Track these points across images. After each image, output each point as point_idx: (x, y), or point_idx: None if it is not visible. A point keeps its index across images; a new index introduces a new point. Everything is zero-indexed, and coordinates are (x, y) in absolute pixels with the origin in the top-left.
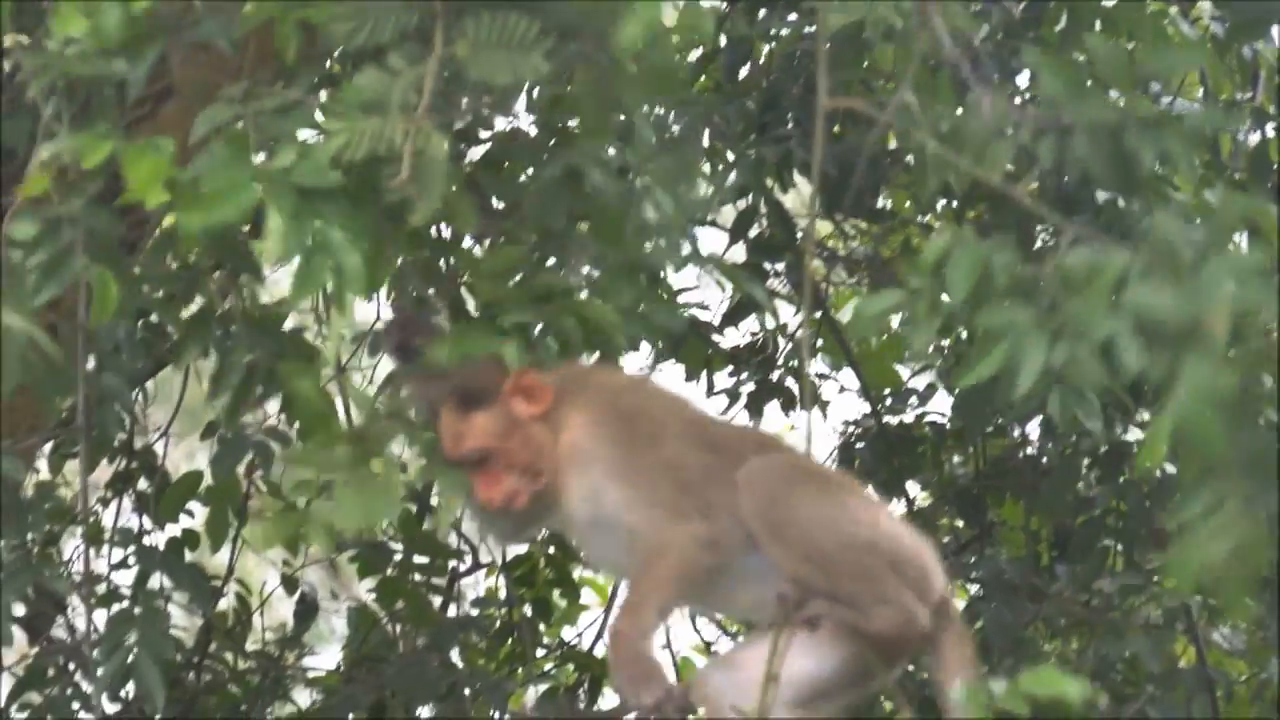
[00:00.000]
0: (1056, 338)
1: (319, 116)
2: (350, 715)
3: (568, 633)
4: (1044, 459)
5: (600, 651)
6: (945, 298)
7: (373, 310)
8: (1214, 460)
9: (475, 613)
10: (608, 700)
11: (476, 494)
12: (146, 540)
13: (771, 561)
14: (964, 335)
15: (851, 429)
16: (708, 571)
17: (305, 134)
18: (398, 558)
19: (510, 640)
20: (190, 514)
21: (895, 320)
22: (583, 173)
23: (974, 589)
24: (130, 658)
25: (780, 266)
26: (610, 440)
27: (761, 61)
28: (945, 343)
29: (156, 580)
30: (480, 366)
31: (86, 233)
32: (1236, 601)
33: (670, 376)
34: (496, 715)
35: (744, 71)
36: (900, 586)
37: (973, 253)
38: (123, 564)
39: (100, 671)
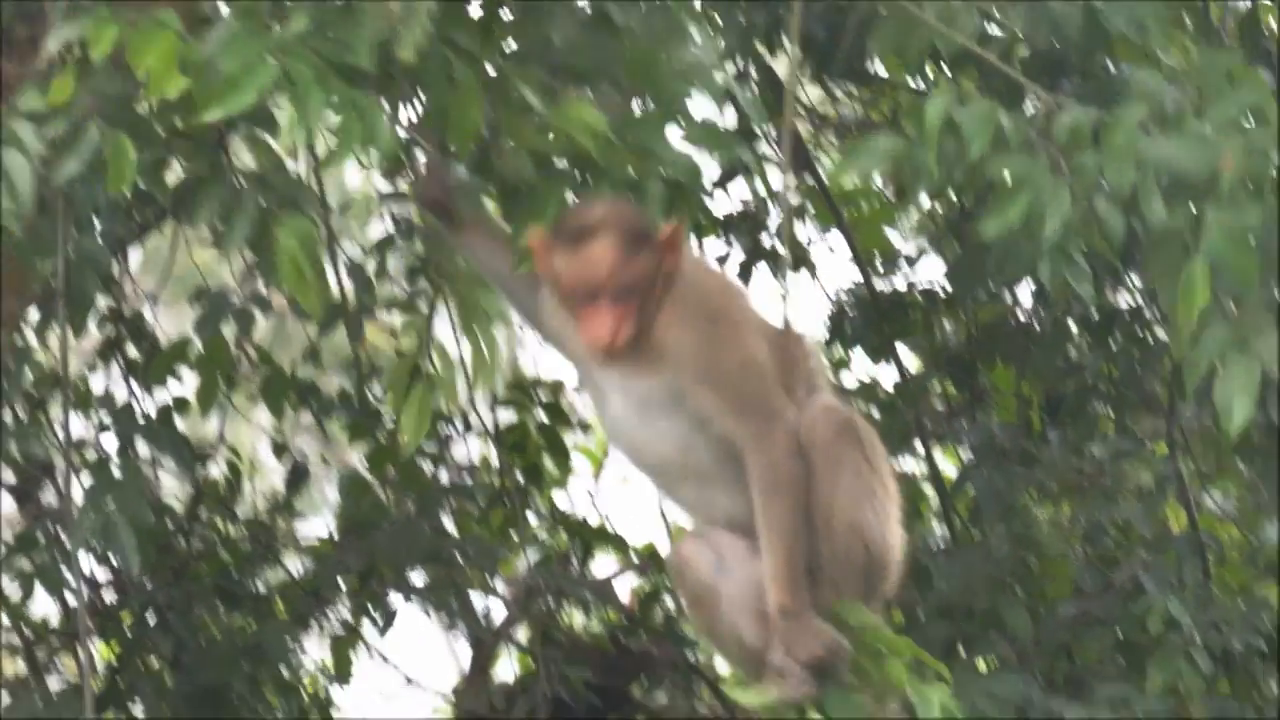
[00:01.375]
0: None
1: None
2: (341, 581)
3: (560, 499)
4: (1035, 325)
5: (592, 518)
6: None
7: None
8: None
9: (467, 479)
10: (600, 566)
11: (590, 330)
12: (136, 407)
13: None
14: (955, 199)
15: (843, 295)
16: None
17: None
18: (389, 424)
19: (502, 506)
20: (180, 380)
21: (882, 184)
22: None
23: (965, 455)
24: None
25: (770, 131)
26: (699, 341)
27: None
28: (937, 208)
29: (145, 447)
30: (629, 208)
31: (99, 98)
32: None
33: None
34: (489, 581)
35: None
36: (871, 581)
37: (985, 108)
38: (104, 429)
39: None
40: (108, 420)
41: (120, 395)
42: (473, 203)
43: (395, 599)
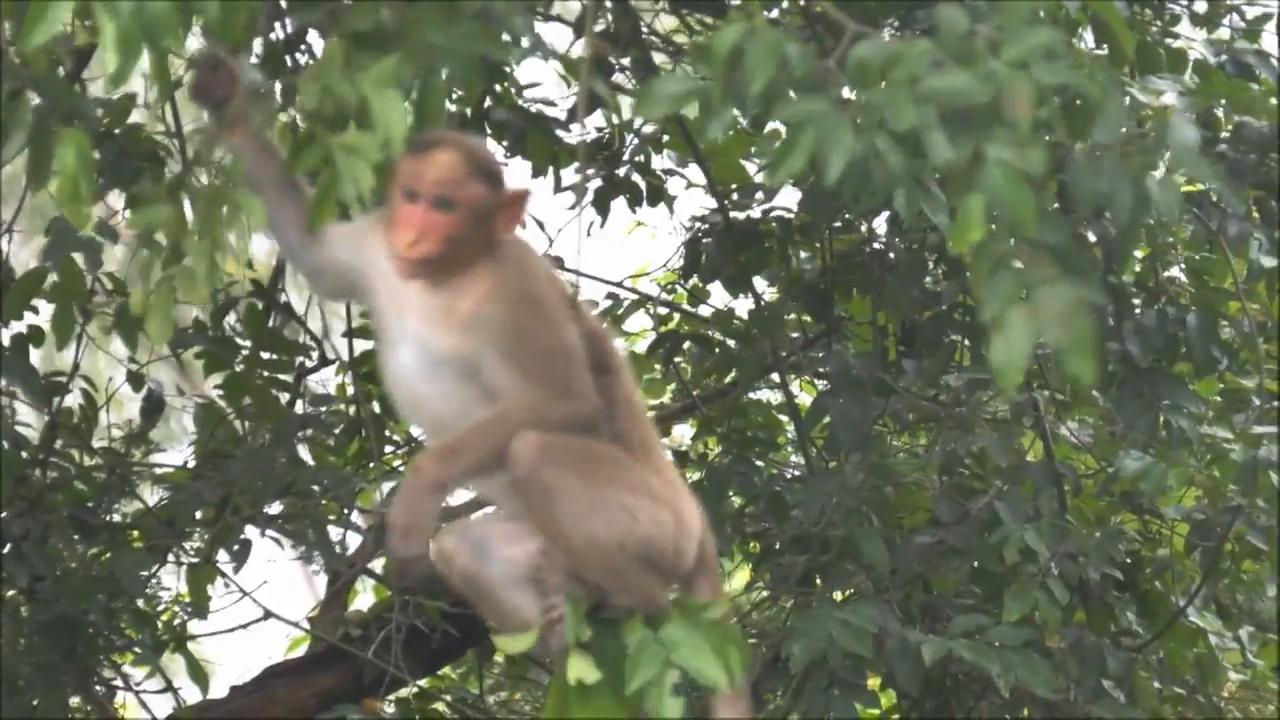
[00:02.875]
0: (858, 129)
1: None
2: (197, 512)
3: (415, 429)
4: (891, 254)
5: None
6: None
7: None
8: (1027, 238)
9: (323, 409)
10: (456, 496)
11: (402, 227)
12: None
13: None
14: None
15: (698, 224)
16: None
17: None
18: (245, 353)
19: (358, 436)
20: (35, 311)
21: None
22: None
23: (821, 384)
24: None
25: (625, 61)
26: (514, 318)
27: None
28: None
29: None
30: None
31: None
32: (1083, 394)
33: (518, 172)
34: (345, 512)
35: None
36: (643, 576)
37: (769, 42)
38: None
39: None
40: None
41: None
42: (263, 108)
43: (251, 530)
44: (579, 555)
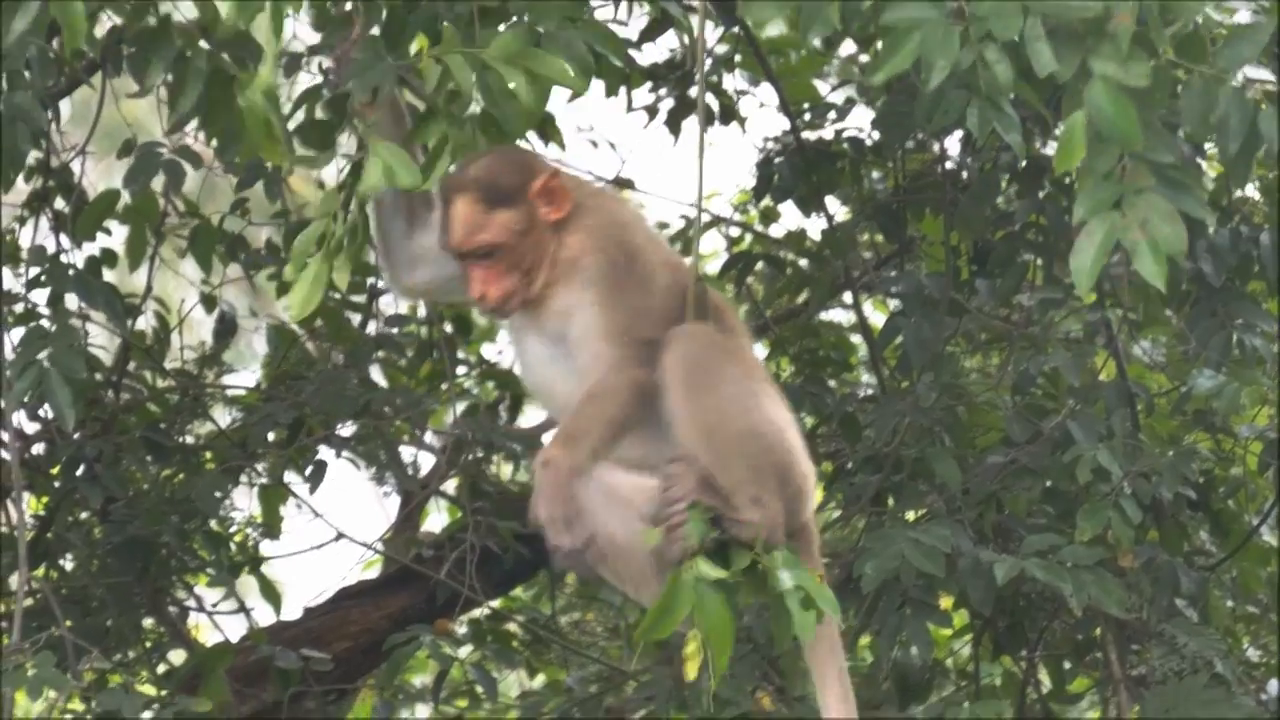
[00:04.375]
0: (965, 40)
1: None
2: (270, 433)
3: (487, 350)
4: (964, 173)
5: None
6: None
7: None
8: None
9: (394, 330)
10: (529, 417)
11: (471, 289)
12: (65, 259)
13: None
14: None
15: (771, 145)
16: (640, 421)
17: None
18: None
19: (430, 358)
20: (108, 233)
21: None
22: None
23: (893, 304)
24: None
25: None
26: (608, 268)
27: None
28: (865, 58)
29: (74, 300)
30: (508, 161)
31: None
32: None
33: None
34: (417, 432)
35: None
36: (776, 495)
37: None
38: (36, 282)
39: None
40: (36, 273)
41: (47, 247)
42: (388, 84)
43: (325, 452)
44: (730, 449)
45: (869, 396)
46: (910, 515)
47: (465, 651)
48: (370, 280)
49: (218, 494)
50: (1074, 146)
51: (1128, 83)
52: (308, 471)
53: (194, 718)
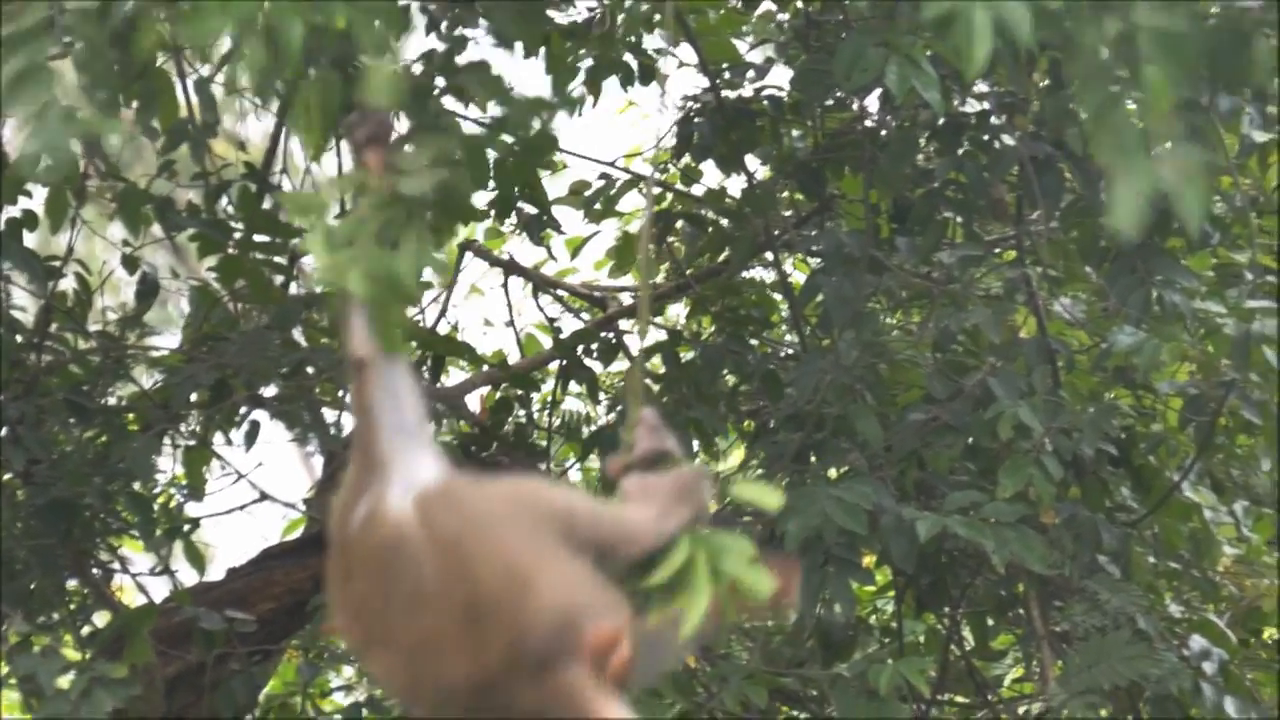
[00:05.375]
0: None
1: None
2: (193, 394)
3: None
4: (883, 131)
5: (442, 328)
6: None
7: None
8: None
9: (318, 290)
10: (450, 378)
11: None
12: None
13: None
14: (801, 6)
15: (690, 104)
16: None
17: None
18: (238, 236)
19: None
20: (29, 195)
21: None
22: None
23: (814, 262)
24: None
25: None
26: None
27: None
28: (784, 16)
29: None
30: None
31: None
32: (1075, 270)
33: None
34: (340, 393)
35: None
36: None
37: None
38: None
39: None
40: None
41: None
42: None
43: (256, 413)
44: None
45: (790, 355)
46: (832, 473)
47: None
48: (293, 241)
49: (146, 456)
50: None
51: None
52: (238, 432)
53: (113, 681)
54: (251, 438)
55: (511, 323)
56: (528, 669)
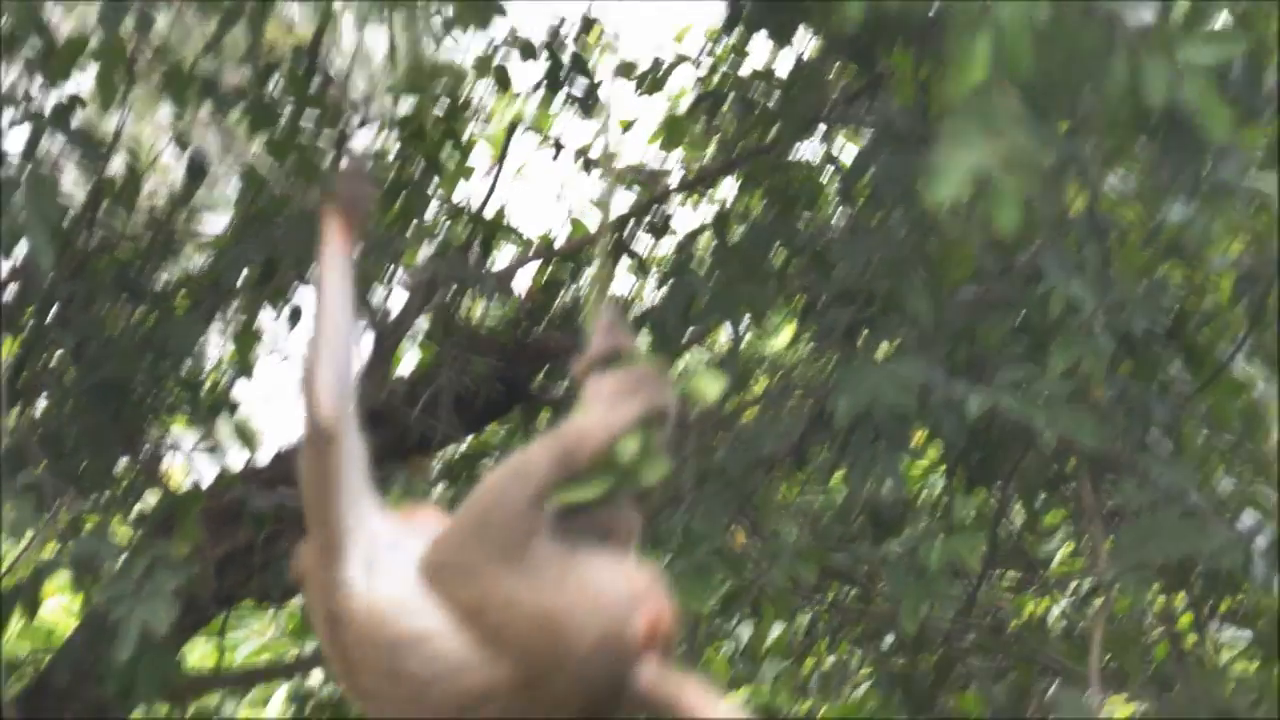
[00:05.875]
0: None
1: None
2: (241, 276)
3: (459, 191)
4: (933, 6)
5: (489, 211)
6: None
7: None
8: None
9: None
10: (499, 259)
11: None
12: (35, 104)
13: None
14: None
15: None
16: None
17: None
18: (287, 116)
19: (401, 197)
20: (81, 70)
21: None
22: None
23: (864, 138)
24: (20, 219)
25: None
26: None
27: None
28: None
29: (45, 143)
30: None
31: None
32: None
33: None
34: (389, 272)
35: None
36: None
37: None
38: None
39: None
40: (10, 117)
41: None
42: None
43: (296, 293)
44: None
45: (840, 232)
46: (882, 350)
47: (438, 490)
48: (342, 121)
49: (195, 337)
50: (974, 70)
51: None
52: (283, 312)
53: (174, 561)
54: (295, 319)
55: (559, 202)
56: (607, 700)
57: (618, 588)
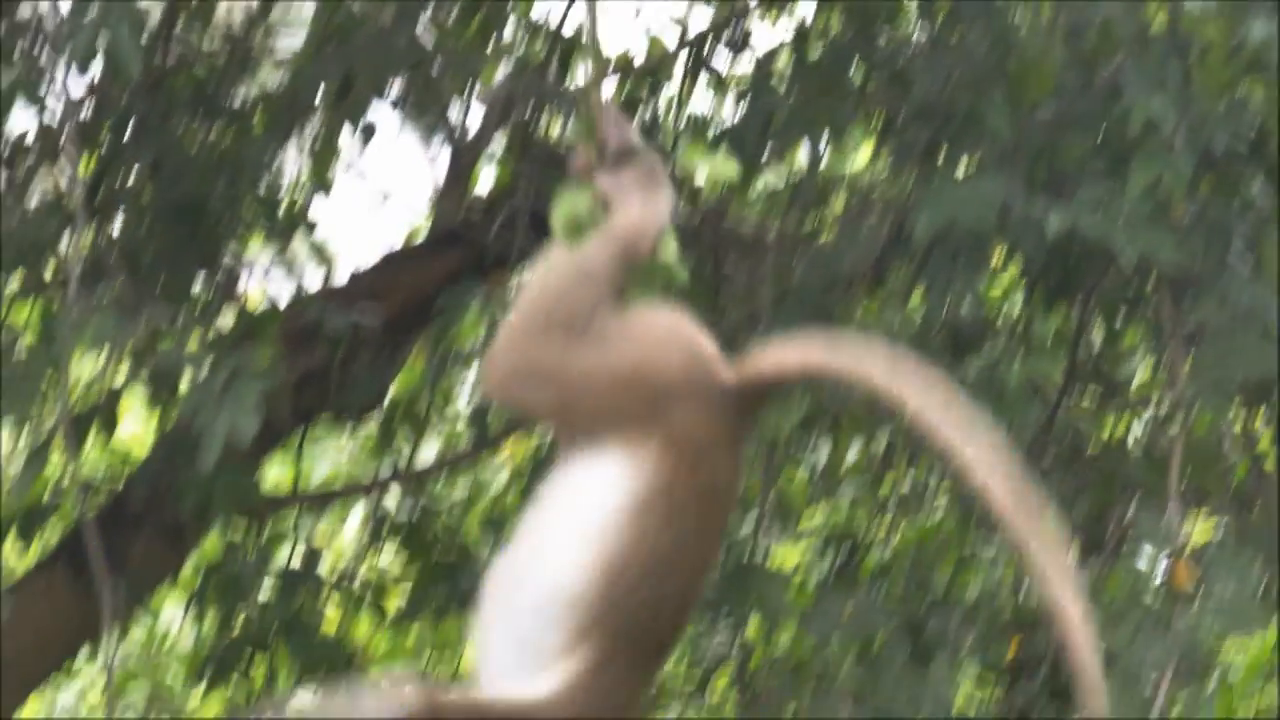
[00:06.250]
0: None
1: None
2: (319, 92)
3: (537, 8)
4: None
5: (569, 29)
6: None
7: None
8: None
9: None
10: (578, 78)
11: None
12: None
13: None
14: None
15: None
16: None
17: None
18: None
19: (479, 15)
20: None
21: None
22: None
23: None
24: (99, 34)
25: None
26: None
27: None
28: None
29: None
30: None
31: None
32: None
33: None
34: (466, 90)
35: None
36: None
37: None
38: None
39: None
40: None
41: None
42: None
43: (373, 111)
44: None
45: (920, 49)
46: (961, 168)
47: None
48: None
49: (271, 156)
50: None
51: None
52: (359, 130)
53: (255, 371)
54: (368, 136)
55: (637, 19)
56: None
57: (663, 318)
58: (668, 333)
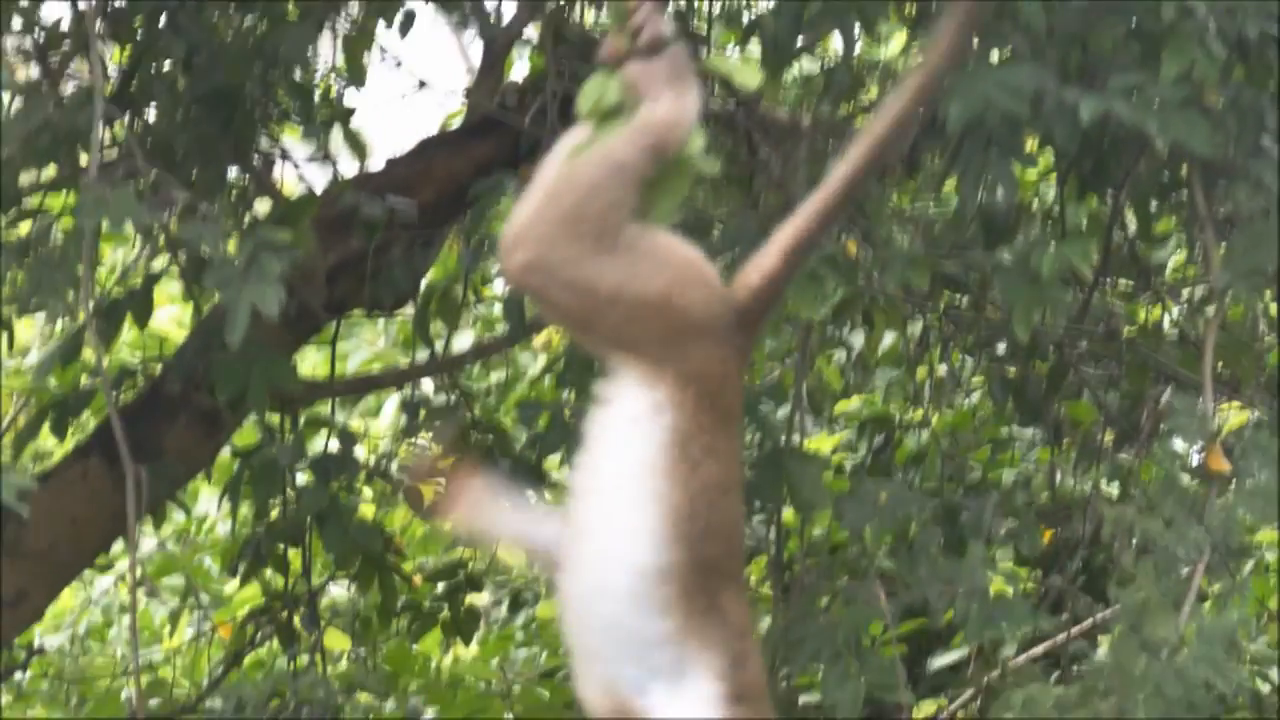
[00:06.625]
0: None
1: None
2: None
3: None
4: None
5: None
6: None
7: None
8: None
9: None
10: None
11: None
12: None
13: None
14: None
15: None
16: None
17: None
18: None
19: None
20: None
21: None
22: None
23: None
24: None
25: None
26: None
27: None
28: None
29: None
30: None
31: None
32: None
33: None
34: None
35: None
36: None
37: None
38: None
39: None
40: None
41: None
42: None
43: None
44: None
45: None
46: (994, 56)
47: None
48: None
49: (306, 43)
50: None
51: None
52: (395, 19)
53: (280, 247)
54: (407, 26)
55: None
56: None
57: (682, 247)
58: (690, 265)
